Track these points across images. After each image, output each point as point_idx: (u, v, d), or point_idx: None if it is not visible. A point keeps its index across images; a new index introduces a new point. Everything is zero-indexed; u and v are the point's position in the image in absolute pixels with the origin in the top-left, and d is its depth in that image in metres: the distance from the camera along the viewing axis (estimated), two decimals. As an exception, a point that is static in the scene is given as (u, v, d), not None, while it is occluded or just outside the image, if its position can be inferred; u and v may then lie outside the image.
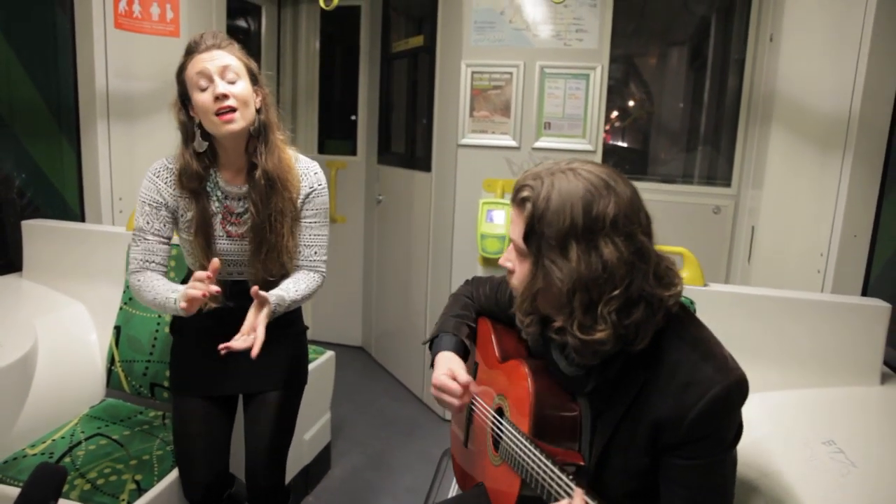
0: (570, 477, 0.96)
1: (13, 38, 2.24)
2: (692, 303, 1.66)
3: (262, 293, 1.35)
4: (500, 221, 2.48)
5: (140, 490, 1.56)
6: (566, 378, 1.10)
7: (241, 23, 3.61)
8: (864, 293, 1.98)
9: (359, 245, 3.83)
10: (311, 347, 2.02)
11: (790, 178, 2.31)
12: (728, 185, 2.75)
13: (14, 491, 1.52)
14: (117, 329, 1.99)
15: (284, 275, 1.54)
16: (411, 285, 3.29)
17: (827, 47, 2.09)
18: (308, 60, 3.80)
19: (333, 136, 3.93)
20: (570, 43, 2.64)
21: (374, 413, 3.10)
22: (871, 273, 1.99)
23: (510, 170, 2.75)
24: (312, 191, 1.52)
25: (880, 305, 1.67)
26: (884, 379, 1.67)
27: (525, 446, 1.06)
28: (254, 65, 1.46)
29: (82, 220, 2.48)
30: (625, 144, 3.29)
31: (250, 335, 1.34)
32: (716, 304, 1.73)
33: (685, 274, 1.84)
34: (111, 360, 1.97)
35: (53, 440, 1.73)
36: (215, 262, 1.31)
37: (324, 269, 1.57)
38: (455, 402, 1.18)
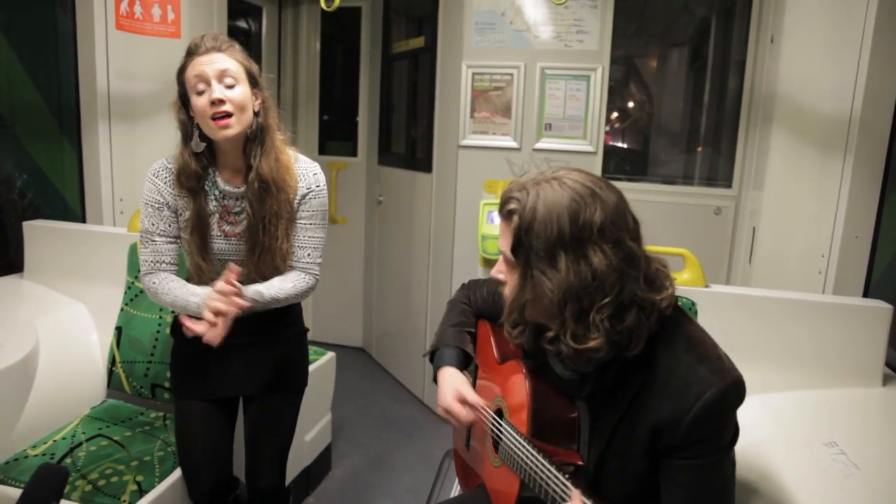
0: (567, 476, 0.96)
1: (14, 39, 2.24)
2: (693, 304, 1.66)
3: (236, 283, 1.36)
4: (501, 222, 2.47)
5: (141, 491, 1.56)
6: (563, 382, 1.10)
7: (242, 24, 3.61)
8: (866, 294, 1.98)
9: (359, 246, 3.83)
10: (311, 349, 2.02)
11: (791, 179, 2.31)
12: (729, 186, 2.75)
13: (15, 492, 1.52)
14: (118, 330, 1.99)
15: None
16: (412, 286, 3.29)
17: (828, 48, 2.09)
18: (309, 61, 3.80)
19: (334, 137, 3.93)
20: (571, 44, 2.64)
21: (374, 414, 3.10)
22: (872, 274, 1.99)
23: (511, 171, 2.75)
24: (309, 192, 1.52)
25: (882, 307, 1.67)
26: (885, 380, 1.67)
27: (523, 447, 1.06)
28: (254, 67, 1.46)
29: (83, 220, 2.48)
30: (625, 145, 3.29)
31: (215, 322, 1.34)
32: (717, 305, 1.73)
33: (686, 275, 1.84)
34: (112, 361, 1.97)
35: (55, 441, 1.73)
36: (235, 268, 1.35)
37: (316, 272, 1.56)
38: (463, 424, 1.21)
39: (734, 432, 0.97)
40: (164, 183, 1.48)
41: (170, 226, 1.49)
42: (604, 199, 0.94)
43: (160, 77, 2.41)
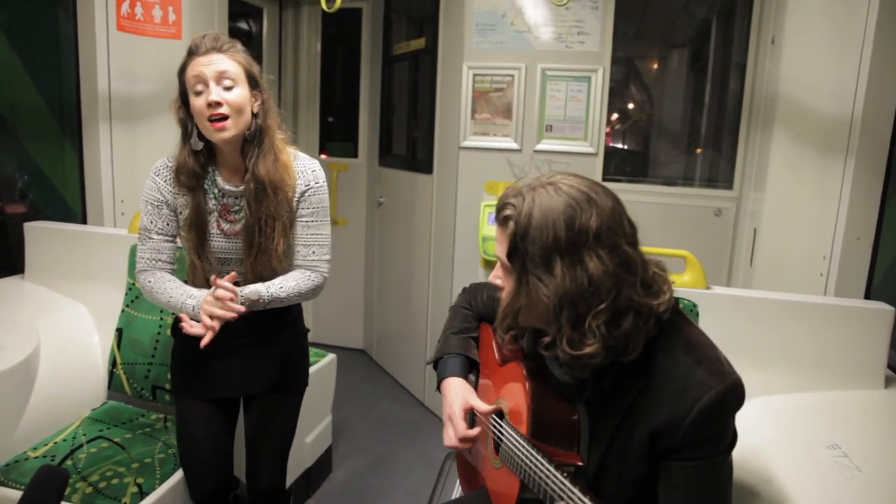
0: (565, 475, 0.95)
1: (16, 41, 2.25)
2: (695, 306, 1.66)
3: (226, 283, 1.37)
4: (502, 224, 2.47)
5: (142, 493, 1.56)
6: (563, 386, 1.09)
7: (243, 25, 3.62)
8: (867, 296, 1.97)
9: (360, 247, 3.83)
10: (312, 350, 2.02)
11: (792, 180, 2.31)
12: (730, 187, 2.75)
13: (16, 494, 1.52)
14: (119, 331, 1.99)
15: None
16: (413, 288, 3.29)
17: (829, 50, 2.09)
18: (309, 62, 3.80)
19: (335, 139, 3.93)
20: (572, 45, 2.64)
21: (375, 416, 3.10)
22: (874, 276, 1.98)
23: (512, 172, 2.75)
24: (308, 188, 1.52)
25: (884, 308, 1.67)
26: (888, 382, 1.66)
27: (523, 447, 1.06)
28: (255, 68, 1.46)
29: (84, 222, 2.48)
30: (626, 147, 3.29)
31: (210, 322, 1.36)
32: (718, 307, 1.73)
33: (687, 277, 1.84)
34: (113, 363, 1.97)
35: (55, 443, 1.73)
36: (233, 274, 1.36)
37: (323, 269, 1.56)
38: (463, 440, 1.22)
39: (733, 436, 0.97)
40: (165, 181, 1.49)
41: (168, 224, 1.50)
42: (599, 204, 0.94)
43: (161, 78, 2.41)
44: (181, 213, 1.50)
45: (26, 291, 2.21)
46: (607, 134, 2.81)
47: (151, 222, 1.49)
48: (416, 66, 3.29)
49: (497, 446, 1.20)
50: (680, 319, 1.02)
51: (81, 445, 1.72)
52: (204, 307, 1.35)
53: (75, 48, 2.37)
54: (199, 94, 1.38)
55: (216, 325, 1.34)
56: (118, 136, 2.44)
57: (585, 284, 0.91)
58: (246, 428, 1.64)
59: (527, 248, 0.94)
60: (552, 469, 0.98)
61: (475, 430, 1.21)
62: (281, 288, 1.48)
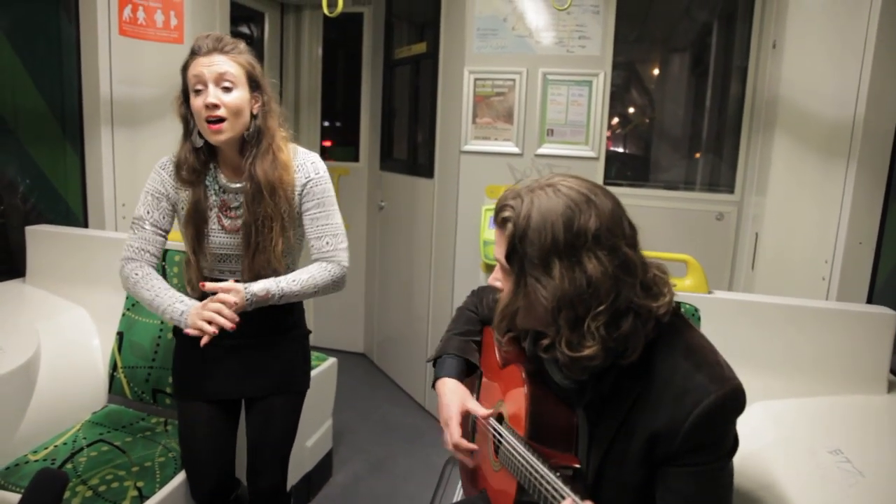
0: (558, 474, 0.94)
1: (18, 45, 2.25)
2: (696, 310, 1.65)
3: (218, 285, 1.37)
4: (503, 228, 2.47)
5: (142, 497, 1.55)
6: (563, 391, 1.09)
7: (245, 29, 3.63)
8: (870, 301, 1.97)
9: (361, 251, 3.83)
10: (312, 354, 2.01)
11: (794, 184, 2.30)
12: (731, 191, 2.75)
13: (16, 497, 1.51)
14: (120, 335, 1.99)
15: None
16: (413, 292, 3.29)
17: (830, 54, 2.09)
18: (311, 67, 3.81)
19: (336, 143, 3.94)
20: (573, 50, 2.64)
21: (376, 420, 3.09)
22: (876, 280, 1.98)
23: (513, 176, 2.75)
24: (309, 180, 1.52)
25: (886, 313, 1.66)
26: (890, 387, 1.66)
27: (521, 449, 1.06)
28: (257, 70, 1.47)
29: (85, 225, 2.48)
30: (627, 151, 3.29)
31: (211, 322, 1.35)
32: (720, 312, 1.72)
33: (688, 281, 1.83)
34: (113, 366, 1.97)
35: (55, 446, 1.73)
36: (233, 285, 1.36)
37: (341, 259, 1.53)
38: (458, 445, 1.22)
39: (733, 442, 0.95)
40: (169, 175, 1.51)
41: (164, 218, 1.51)
42: (599, 205, 0.93)
43: (163, 82, 2.42)
44: (182, 208, 1.51)
45: (27, 295, 2.21)
46: (608, 138, 2.81)
47: (148, 212, 1.50)
48: (418, 70, 3.29)
49: (497, 449, 1.20)
50: (681, 323, 1.01)
51: (82, 449, 1.72)
52: (202, 314, 1.34)
53: (77, 52, 2.38)
54: (198, 93, 1.40)
55: (214, 329, 1.33)
56: (120, 139, 2.44)
57: (584, 286, 0.91)
58: (247, 429, 1.64)
59: (525, 249, 0.94)
60: (547, 471, 0.97)
61: (472, 445, 1.21)
62: (294, 281, 1.46)
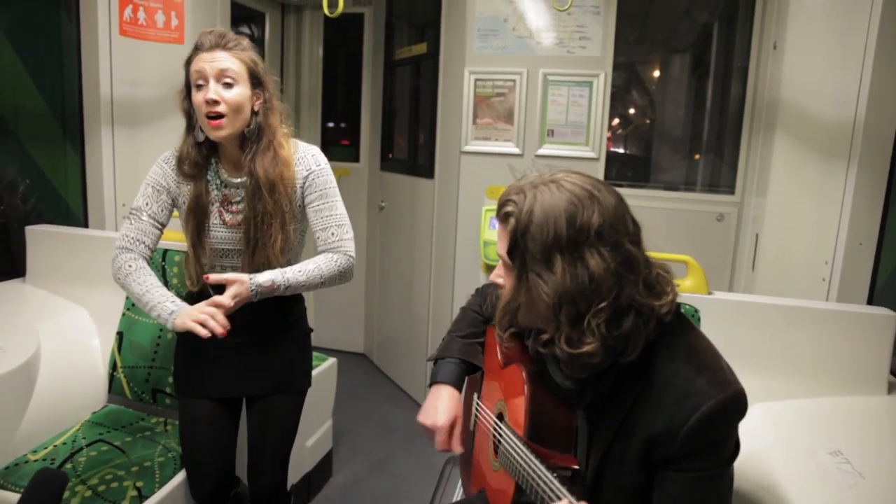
0: (556, 475, 0.94)
1: (19, 45, 2.25)
2: (697, 311, 1.65)
3: (223, 276, 1.36)
4: (503, 228, 2.48)
5: (141, 497, 1.55)
6: (563, 391, 1.09)
7: (245, 29, 3.63)
8: (870, 302, 1.96)
9: (361, 251, 3.83)
10: (313, 353, 2.02)
11: (794, 185, 2.30)
12: (731, 192, 2.75)
13: (16, 497, 1.51)
14: (120, 335, 1.99)
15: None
16: (414, 292, 3.29)
17: (831, 55, 2.09)
18: (311, 67, 3.81)
19: (336, 143, 3.94)
20: (574, 50, 2.64)
21: (376, 420, 3.09)
22: (876, 281, 1.98)
23: (513, 177, 2.75)
24: (310, 172, 1.52)
25: (886, 314, 1.66)
26: (890, 388, 1.66)
27: (519, 449, 1.05)
28: (259, 67, 1.47)
29: (86, 225, 2.48)
30: (628, 152, 3.29)
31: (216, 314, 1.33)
32: (720, 313, 1.72)
33: (688, 282, 1.83)
34: (113, 366, 1.97)
35: (55, 446, 1.73)
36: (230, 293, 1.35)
37: (347, 249, 1.52)
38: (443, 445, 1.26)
39: (734, 448, 0.94)
40: (172, 169, 1.51)
41: (162, 210, 1.51)
42: (602, 201, 0.92)
43: (163, 83, 2.42)
44: (183, 203, 1.51)
45: (27, 294, 2.21)
46: (609, 139, 2.81)
47: (147, 204, 1.49)
48: (418, 70, 3.29)
49: (496, 449, 1.20)
50: (684, 324, 1.00)
51: (81, 449, 1.72)
52: (197, 316, 1.31)
53: (78, 52, 2.38)
54: (199, 88, 1.41)
55: (206, 332, 1.31)
56: (120, 140, 2.44)
57: (586, 282, 0.90)
58: (248, 427, 1.64)
59: (527, 244, 0.93)
60: (545, 471, 0.97)
61: (460, 449, 1.26)
62: (300, 272, 1.45)
